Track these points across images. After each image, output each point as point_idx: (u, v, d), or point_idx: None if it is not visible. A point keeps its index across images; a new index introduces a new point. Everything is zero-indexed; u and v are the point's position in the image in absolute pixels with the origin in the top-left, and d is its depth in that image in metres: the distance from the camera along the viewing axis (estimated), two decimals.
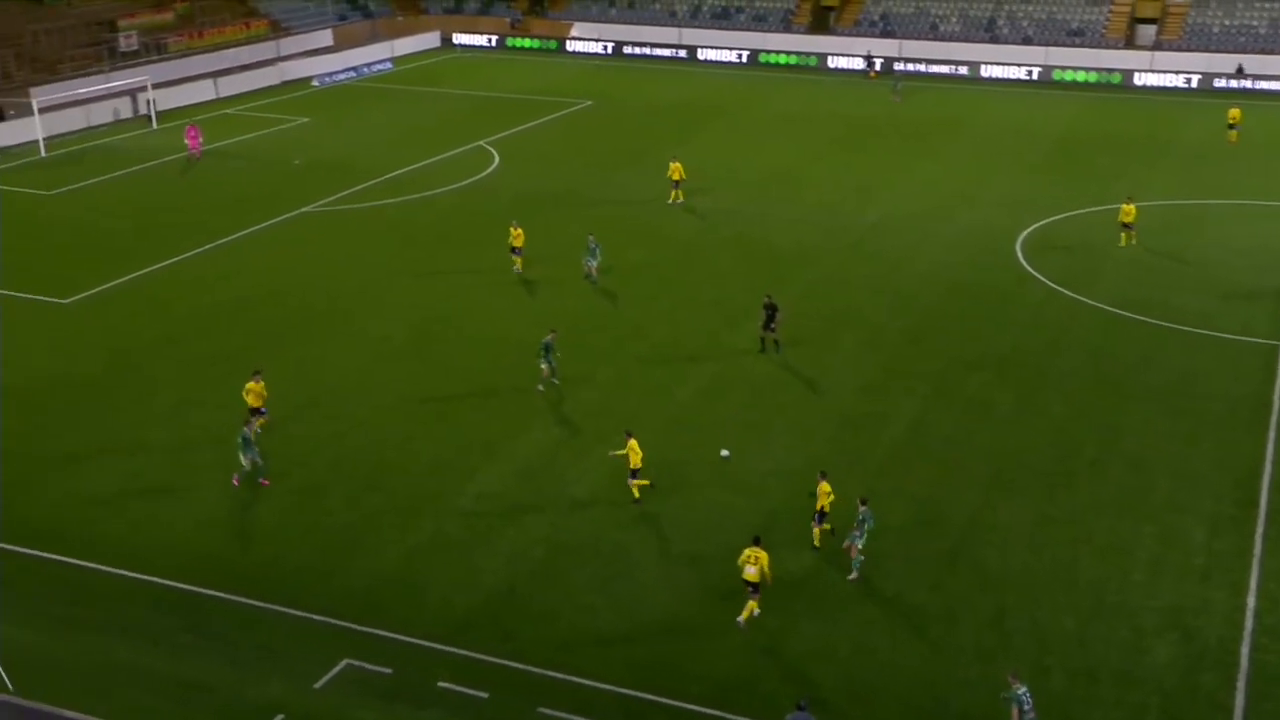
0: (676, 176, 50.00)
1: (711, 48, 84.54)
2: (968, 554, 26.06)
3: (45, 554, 26.04)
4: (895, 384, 34.09)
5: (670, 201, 49.69)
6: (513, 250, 41.95)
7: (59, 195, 52.85)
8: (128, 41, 73.37)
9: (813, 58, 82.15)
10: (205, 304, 40.04)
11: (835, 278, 42.40)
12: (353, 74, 79.78)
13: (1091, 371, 34.79)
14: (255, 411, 30.31)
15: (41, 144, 59.97)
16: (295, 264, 43.74)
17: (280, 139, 62.93)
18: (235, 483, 28.50)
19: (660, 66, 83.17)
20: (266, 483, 28.63)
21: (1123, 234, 44.73)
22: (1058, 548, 26.25)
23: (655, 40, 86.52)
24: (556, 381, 33.60)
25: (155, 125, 65.19)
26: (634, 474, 27.84)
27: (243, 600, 24.48)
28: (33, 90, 63.64)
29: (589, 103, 70.92)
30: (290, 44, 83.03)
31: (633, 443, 27.75)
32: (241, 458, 28.47)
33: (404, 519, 27.47)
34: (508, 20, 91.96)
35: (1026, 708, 20.07)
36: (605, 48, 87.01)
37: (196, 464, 29.67)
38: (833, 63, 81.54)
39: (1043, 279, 41.89)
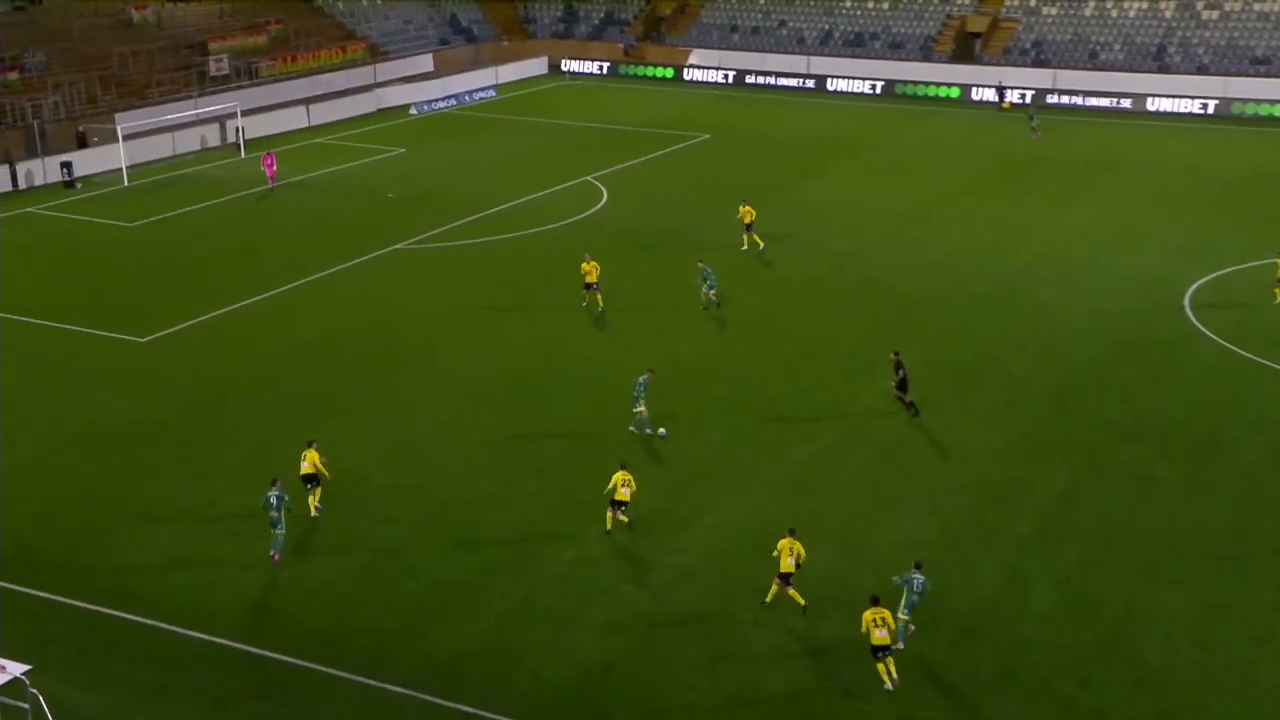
0: (748, 220, 49.64)
1: (842, 77, 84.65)
2: (1124, 646, 25.23)
3: (111, 611, 26.60)
4: (1041, 450, 33.34)
5: (755, 250, 49.25)
6: (586, 287, 42.42)
7: (140, 227, 54.78)
8: (218, 65, 75.93)
9: (955, 89, 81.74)
10: (289, 345, 41.02)
11: (973, 329, 41.83)
12: (453, 102, 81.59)
13: (1274, 444, 33.61)
14: (306, 479, 30.14)
15: (124, 172, 62.33)
16: (387, 302, 44.64)
17: (374, 170, 64.55)
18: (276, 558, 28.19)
19: (785, 97, 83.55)
20: (277, 559, 28.25)
21: (1277, 291, 43.26)
22: (1232, 645, 25.26)
23: (780, 69, 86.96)
24: (649, 431, 33.71)
25: (243, 154, 67.30)
26: (616, 505, 28.71)
27: (317, 667, 24.71)
28: (118, 116, 66.17)
29: (707, 135, 71.46)
30: (388, 69, 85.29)
31: (621, 475, 28.71)
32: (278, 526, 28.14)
33: (492, 584, 27.57)
34: (621, 46, 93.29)
35: None
36: (726, 76, 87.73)
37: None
38: (976, 94, 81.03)
39: (1215, 337, 40.74)
